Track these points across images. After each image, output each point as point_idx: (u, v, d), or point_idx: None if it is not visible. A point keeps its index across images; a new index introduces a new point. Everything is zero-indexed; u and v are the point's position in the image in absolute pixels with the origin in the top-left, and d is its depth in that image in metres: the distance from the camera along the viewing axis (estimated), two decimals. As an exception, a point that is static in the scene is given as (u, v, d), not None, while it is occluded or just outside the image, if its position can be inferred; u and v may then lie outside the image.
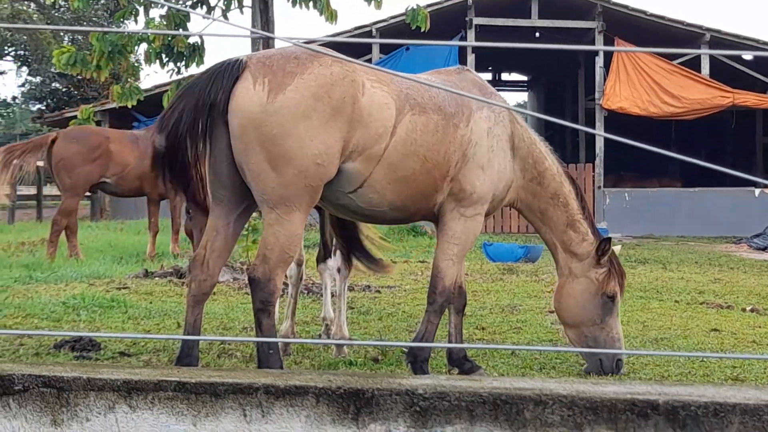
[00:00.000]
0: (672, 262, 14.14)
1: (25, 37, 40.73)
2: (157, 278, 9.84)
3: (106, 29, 12.79)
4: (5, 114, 51.31)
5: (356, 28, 23.59)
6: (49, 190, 26.50)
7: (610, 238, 5.61)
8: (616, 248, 5.70)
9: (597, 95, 23.72)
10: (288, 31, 25.17)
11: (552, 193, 5.52)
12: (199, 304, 4.72)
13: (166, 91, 12.13)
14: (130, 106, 12.26)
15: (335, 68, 4.51)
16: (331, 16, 10.91)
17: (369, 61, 20.98)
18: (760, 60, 23.84)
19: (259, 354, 4.52)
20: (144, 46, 11.10)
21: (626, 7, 23.62)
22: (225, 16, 11.16)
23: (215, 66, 4.52)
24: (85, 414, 2.97)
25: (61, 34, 38.96)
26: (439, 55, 22.52)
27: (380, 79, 4.75)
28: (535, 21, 23.94)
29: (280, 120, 4.33)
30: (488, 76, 36.53)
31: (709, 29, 23.73)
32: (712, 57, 23.35)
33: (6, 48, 44.04)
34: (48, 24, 36.06)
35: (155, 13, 11.20)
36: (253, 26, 11.41)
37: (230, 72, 4.41)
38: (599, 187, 23.31)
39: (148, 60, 10.93)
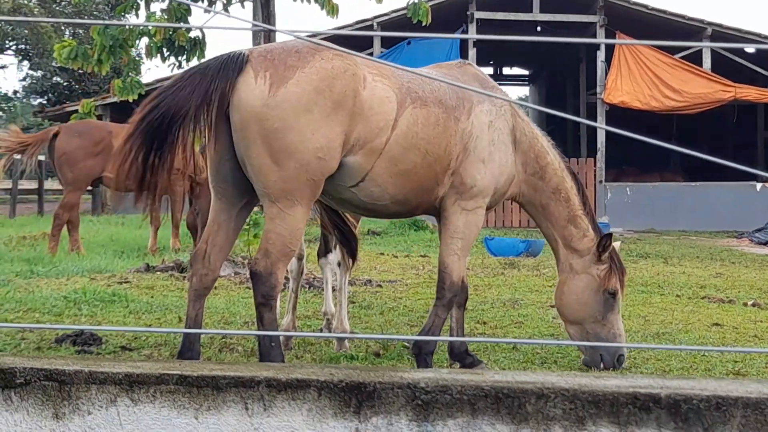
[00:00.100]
0: (673, 257, 14.13)
1: (26, 31, 40.67)
2: (158, 272, 9.85)
3: (107, 22, 12.75)
4: (6, 108, 51.28)
5: (357, 22, 23.56)
6: (50, 184, 26.53)
7: (611, 234, 5.60)
8: (616, 244, 5.70)
9: (598, 89, 23.70)
10: (289, 25, 25.08)
11: (554, 187, 5.51)
12: (201, 299, 4.72)
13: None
14: (131, 101, 12.18)
15: (336, 62, 4.50)
16: (332, 10, 10.89)
17: (370, 55, 20.96)
18: (762, 54, 23.78)
19: (260, 348, 4.53)
20: (145, 40, 11.08)
21: (627, 0, 23.57)
22: (226, 10, 11.14)
23: (217, 59, 4.49)
24: (86, 407, 2.97)
25: (62, 28, 38.92)
26: (440, 49, 22.47)
27: (381, 72, 4.74)
28: (537, 15, 23.91)
29: (282, 114, 4.32)
30: (490, 70, 36.51)
31: (710, 23, 23.70)
32: (713, 51, 23.31)
33: (7, 42, 43.99)
34: (49, 18, 36.03)
35: (156, 7, 11.19)
36: (255, 20, 11.39)
37: (233, 66, 4.40)
38: (600, 182, 23.30)
39: (149, 54, 10.90)
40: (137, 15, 11.51)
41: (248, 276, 5.92)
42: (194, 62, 11.19)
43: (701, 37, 23.45)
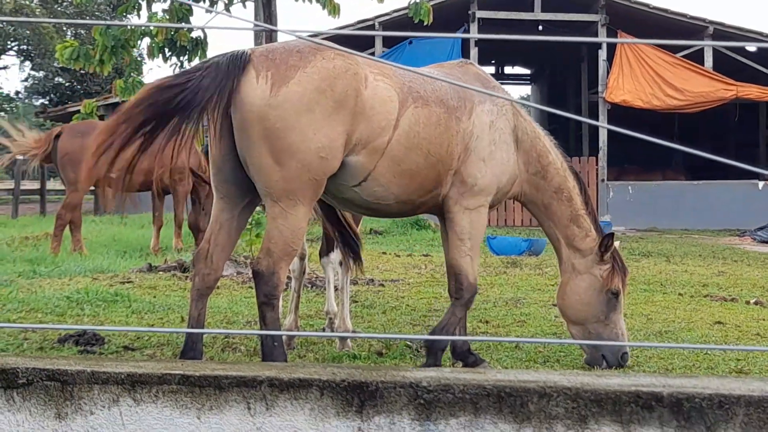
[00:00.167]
0: (676, 255, 14.12)
1: (28, 32, 40.73)
2: (160, 272, 9.85)
3: (109, 23, 12.76)
4: (8, 109, 51.33)
5: (359, 22, 23.57)
6: (52, 184, 26.54)
7: (613, 234, 5.60)
8: (615, 243, 5.70)
9: (600, 88, 23.68)
10: (291, 25, 25.08)
11: (556, 187, 5.51)
12: (203, 298, 4.73)
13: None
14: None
15: (338, 61, 4.50)
16: (334, 9, 10.90)
17: (372, 54, 20.96)
18: (764, 52, 23.76)
19: (263, 347, 4.53)
20: (147, 40, 11.09)
21: (629, -1, 23.60)
22: (228, 10, 11.14)
23: (224, 56, 4.47)
24: (89, 407, 2.98)
25: (64, 28, 38.96)
26: (442, 48, 22.46)
27: (383, 72, 4.74)
28: (538, 14, 23.90)
29: (284, 113, 4.32)
30: (491, 69, 36.48)
31: (712, 22, 23.67)
32: (715, 50, 23.29)
33: (9, 43, 44.05)
34: (51, 18, 36.05)
35: (158, 7, 11.19)
36: (256, 20, 11.40)
37: (235, 65, 4.39)
38: (602, 180, 23.28)
39: (151, 54, 10.91)
40: (139, 15, 11.51)
41: (251, 275, 5.92)
42: (196, 62, 11.21)
43: (703, 36, 23.43)
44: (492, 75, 18.98)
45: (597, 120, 22.69)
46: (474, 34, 22.90)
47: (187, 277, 9.26)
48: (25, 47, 44.37)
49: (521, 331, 6.87)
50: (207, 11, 10.57)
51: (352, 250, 6.11)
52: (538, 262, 12.21)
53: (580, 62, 28.72)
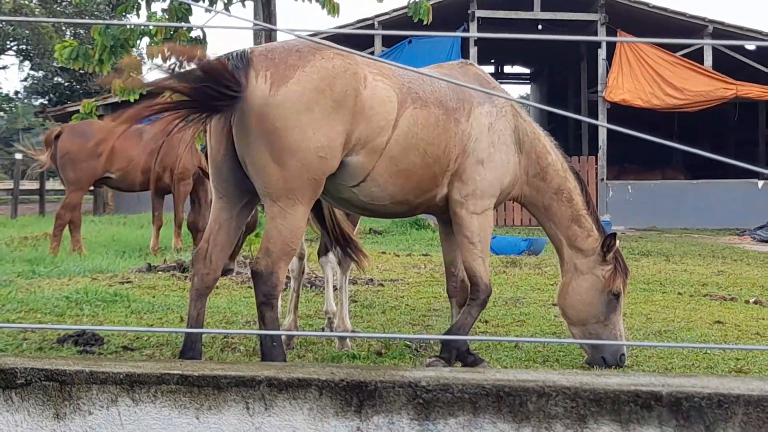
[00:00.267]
0: (675, 255, 14.12)
1: (27, 32, 40.72)
2: (160, 272, 9.85)
3: (108, 22, 12.76)
4: (8, 108, 51.35)
5: (358, 21, 23.56)
6: (51, 184, 26.54)
7: (615, 234, 5.58)
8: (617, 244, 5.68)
9: (600, 87, 23.67)
10: (290, 24, 25.08)
11: (555, 188, 5.50)
12: (202, 298, 4.73)
13: (168, 85, 12.07)
14: (132, 101, 12.22)
15: (337, 61, 4.50)
16: (333, 9, 10.88)
17: (371, 54, 20.95)
18: (763, 51, 23.76)
19: (262, 347, 4.53)
20: (146, 40, 11.08)
21: (629, -2, 23.59)
22: (227, 9, 11.13)
23: (229, 55, 4.45)
24: (87, 407, 2.97)
25: (63, 28, 38.96)
26: (441, 48, 22.46)
27: (382, 72, 4.74)
28: (538, 13, 23.90)
29: (283, 113, 4.32)
30: (491, 68, 36.48)
31: (711, 21, 23.66)
32: (714, 49, 23.27)
33: (8, 42, 44.04)
34: (50, 18, 36.04)
35: (157, 7, 11.17)
36: (255, 19, 11.39)
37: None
38: (602, 180, 23.28)
39: (151, 54, 10.90)
40: (138, 15, 11.50)
41: (250, 275, 5.92)
42: (196, 62, 11.19)
43: (702, 35, 23.42)
44: (491, 74, 18.96)
45: (596, 119, 22.68)
46: (473, 33, 22.89)
47: (186, 277, 9.25)
48: (24, 47, 44.34)
49: (520, 331, 6.86)
50: (206, 11, 10.57)
51: (342, 249, 6.09)
52: (538, 262, 12.21)
53: (580, 61, 28.72)
